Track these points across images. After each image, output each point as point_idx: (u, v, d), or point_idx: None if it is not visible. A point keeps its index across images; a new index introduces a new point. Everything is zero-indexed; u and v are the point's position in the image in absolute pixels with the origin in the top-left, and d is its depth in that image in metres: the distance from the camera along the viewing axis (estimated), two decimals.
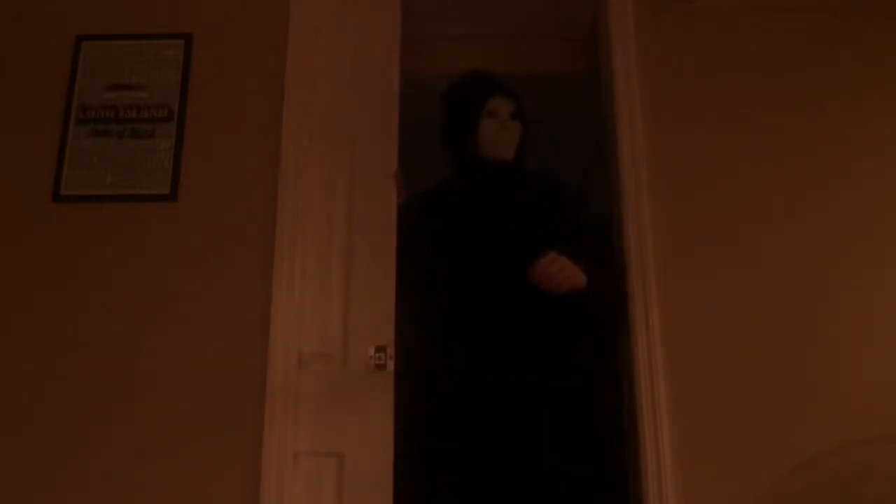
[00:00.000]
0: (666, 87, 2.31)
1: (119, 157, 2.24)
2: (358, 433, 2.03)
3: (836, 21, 2.37)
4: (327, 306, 2.13)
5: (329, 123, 2.28)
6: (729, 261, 2.15)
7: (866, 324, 2.10)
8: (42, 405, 2.07)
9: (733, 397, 2.04)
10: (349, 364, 2.08)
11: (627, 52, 2.33)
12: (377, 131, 2.26)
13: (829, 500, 1.95)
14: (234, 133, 2.27)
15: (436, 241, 2.10)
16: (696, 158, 2.24)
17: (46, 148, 2.26)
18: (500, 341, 1.85)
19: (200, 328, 2.11)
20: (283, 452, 2.01)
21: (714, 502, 1.98)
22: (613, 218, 2.30)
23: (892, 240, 2.17)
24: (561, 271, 1.79)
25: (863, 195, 2.21)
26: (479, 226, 2.05)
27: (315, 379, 2.08)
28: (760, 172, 2.23)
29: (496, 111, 2.09)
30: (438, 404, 1.93)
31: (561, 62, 3.06)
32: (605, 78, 2.43)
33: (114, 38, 2.36)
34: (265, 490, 1.98)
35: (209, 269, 2.16)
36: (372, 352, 2.06)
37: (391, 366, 2.05)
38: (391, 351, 2.06)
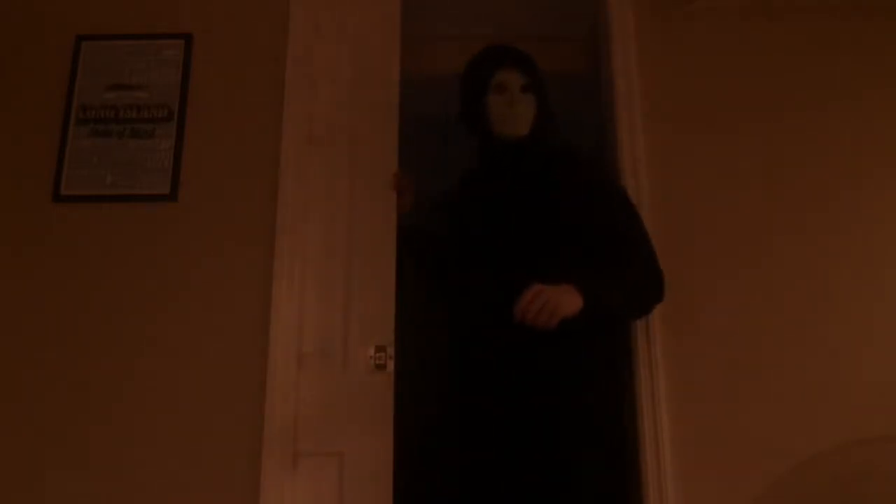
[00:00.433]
0: (666, 87, 2.31)
1: (119, 157, 2.24)
2: (358, 433, 2.03)
3: (835, 21, 2.36)
4: (327, 306, 2.13)
5: (329, 123, 2.27)
6: (729, 261, 2.15)
7: (866, 324, 2.10)
8: (42, 404, 2.07)
9: (733, 397, 2.04)
10: (349, 364, 2.08)
11: (627, 52, 2.33)
12: (377, 131, 2.26)
13: (829, 500, 1.95)
14: (234, 133, 2.27)
15: (452, 234, 2.02)
16: (696, 158, 2.24)
17: (46, 148, 2.26)
18: (500, 341, 1.78)
19: (201, 328, 2.11)
20: (283, 452, 2.01)
21: (714, 502, 1.98)
22: None
23: (893, 240, 2.17)
24: (546, 305, 1.61)
25: (863, 195, 2.21)
26: (490, 212, 1.93)
27: (315, 379, 2.08)
28: (760, 172, 2.23)
29: (504, 85, 1.92)
30: (440, 404, 1.92)
31: (561, 62, 3.05)
32: (605, 78, 2.43)
33: (114, 38, 2.36)
34: (265, 490, 1.98)
35: (209, 269, 2.16)
36: (372, 352, 2.06)
37: (391, 366, 2.05)
38: (391, 351, 2.06)
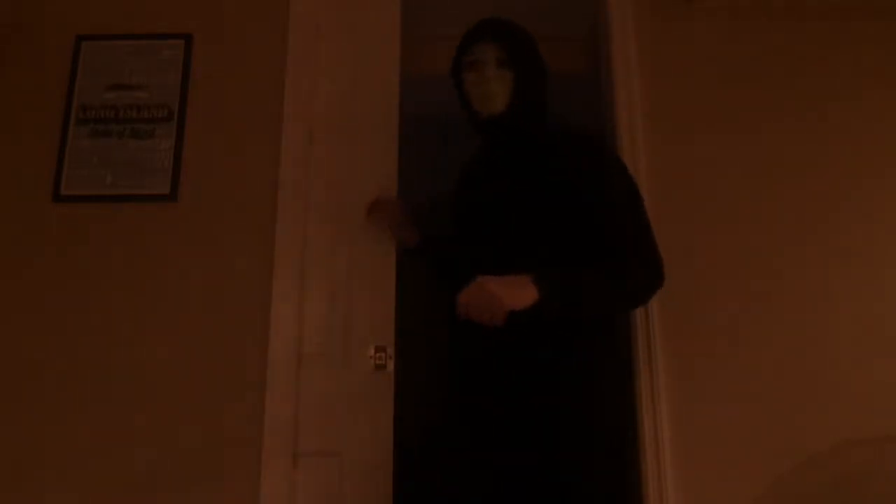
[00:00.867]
0: (666, 87, 2.31)
1: (119, 157, 2.24)
2: (358, 433, 2.03)
3: (836, 21, 2.36)
4: (327, 306, 2.13)
5: (329, 123, 2.28)
6: (729, 261, 2.15)
7: (866, 324, 2.10)
8: (42, 404, 2.07)
9: (733, 397, 2.04)
10: (349, 364, 2.08)
11: (627, 52, 2.33)
12: (377, 131, 2.26)
13: (829, 500, 1.95)
14: (234, 133, 2.27)
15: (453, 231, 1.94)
16: (696, 158, 2.24)
17: (46, 148, 2.26)
18: (491, 340, 1.67)
19: (201, 328, 2.11)
20: (283, 452, 2.01)
21: (714, 502, 1.98)
22: None
23: (893, 241, 2.17)
24: (489, 301, 1.50)
25: (863, 195, 2.21)
26: (476, 202, 1.83)
27: (315, 378, 2.08)
28: (761, 172, 2.23)
29: (478, 61, 1.80)
30: (438, 404, 1.91)
31: (561, 62, 3.05)
32: (605, 78, 2.43)
33: (114, 38, 2.36)
34: (265, 490, 1.98)
35: (209, 269, 2.16)
36: (372, 352, 2.06)
37: (391, 366, 2.05)
38: (391, 351, 2.06)
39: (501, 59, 1.80)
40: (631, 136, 2.26)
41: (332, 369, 2.08)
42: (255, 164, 2.24)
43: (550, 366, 1.67)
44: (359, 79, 2.31)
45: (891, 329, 2.09)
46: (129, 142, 2.26)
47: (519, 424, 1.65)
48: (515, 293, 1.53)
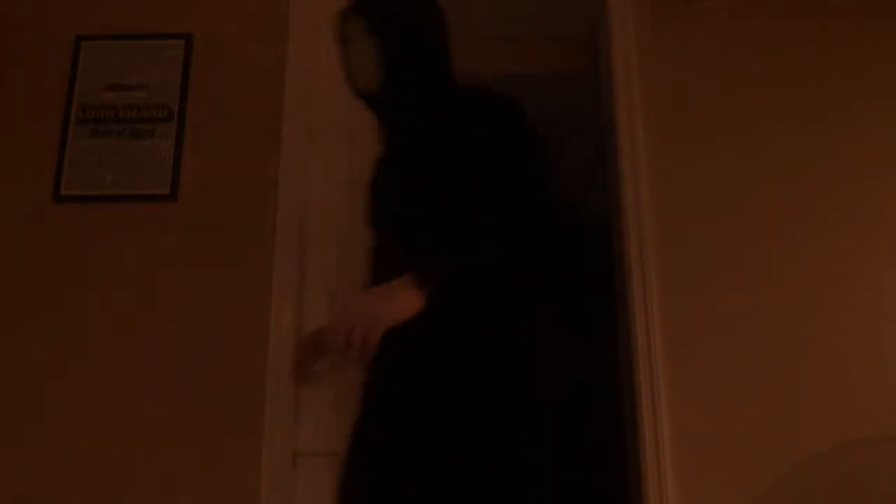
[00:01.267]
0: (666, 87, 2.30)
1: (119, 157, 2.24)
2: None
3: (836, 21, 2.36)
4: (327, 306, 2.13)
5: (329, 122, 2.28)
6: (729, 261, 2.15)
7: (866, 324, 2.10)
8: (42, 405, 2.07)
9: (733, 397, 2.04)
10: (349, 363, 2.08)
11: (627, 52, 2.33)
12: (377, 131, 2.25)
13: (829, 500, 1.95)
14: (234, 133, 2.27)
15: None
16: (697, 158, 2.24)
17: (46, 148, 2.26)
18: (389, 359, 1.42)
19: (200, 328, 2.11)
20: (283, 452, 2.01)
21: (714, 502, 1.98)
22: (613, 218, 2.30)
23: (893, 242, 2.17)
24: (357, 326, 1.27)
25: (863, 195, 2.21)
26: (372, 189, 1.63)
27: None
28: (761, 173, 2.22)
29: (345, 36, 1.61)
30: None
31: (561, 62, 3.06)
32: (605, 78, 2.43)
33: (114, 38, 2.36)
34: (265, 490, 1.98)
35: (209, 269, 2.16)
36: None
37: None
38: None
39: (367, 28, 1.56)
40: (631, 136, 2.25)
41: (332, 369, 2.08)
42: (255, 164, 2.24)
43: (479, 354, 1.42)
44: None
45: (891, 329, 2.09)
46: (129, 142, 2.26)
47: (447, 428, 1.41)
48: (389, 305, 1.30)
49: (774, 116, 2.27)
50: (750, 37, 2.35)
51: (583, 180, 3.69)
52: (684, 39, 2.35)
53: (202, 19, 2.38)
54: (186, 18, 2.38)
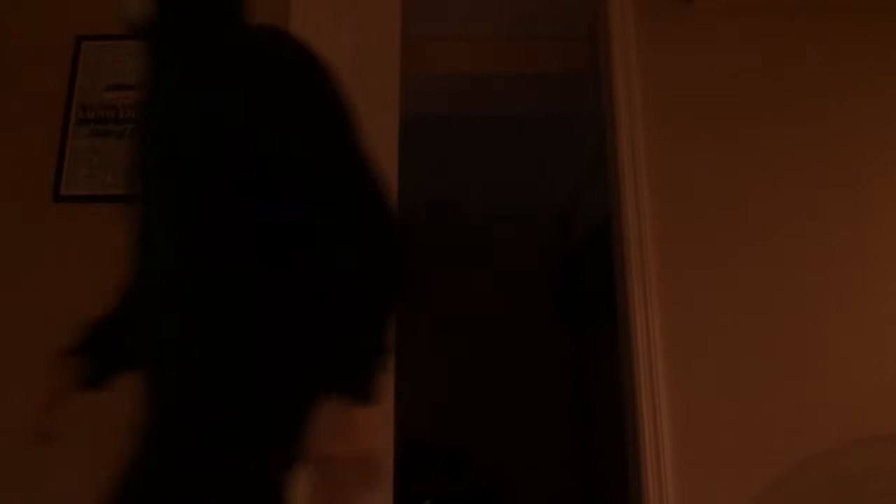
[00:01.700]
0: (666, 87, 2.31)
1: (119, 157, 2.24)
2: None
3: (836, 21, 2.37)
4: None
5: None
6: (729, 261, 2.15)
7: (867, 324, 2.10)
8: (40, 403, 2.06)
9: (733, 397, 2.04)
10: None
11: (627, 52, 2.33)
12: (377, 131, 2.26)
13: (829, 500, 1.95)
14: None
15: None
16: (697, 157, 2.24)
17: (46, 148, 2.26)
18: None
19: None
20: None
21: (714, 502, 1.98)
22: (613, 218, 2.30)
23: (893, 242, 2.17)
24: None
25: (864, 195, 2.21)
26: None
27: None
28: (761, 172, 2.23)
29: None
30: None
31: (561, 62, 3.06)
32: (605, 78, 2.43)
33: (114, 38, 2.36)
34: None
35: None
36: None
37: (390, 365, 2.05)
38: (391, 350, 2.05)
39: None
40: (631, 135, 2.26)
41: None
42: None
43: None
44: (359, 78, 2.31)
45: (891, 329, 2.09)
46: (129, 142, 2.26)
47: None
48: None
49: (774, 116, 2.28)
50: (749, 36, 2.35)
51: (583, 180, 3.69)
52: (684, 39, 2.36)
53: None
54: None
